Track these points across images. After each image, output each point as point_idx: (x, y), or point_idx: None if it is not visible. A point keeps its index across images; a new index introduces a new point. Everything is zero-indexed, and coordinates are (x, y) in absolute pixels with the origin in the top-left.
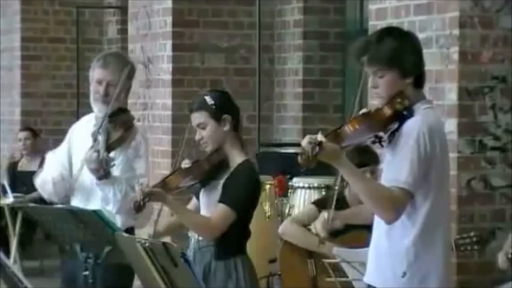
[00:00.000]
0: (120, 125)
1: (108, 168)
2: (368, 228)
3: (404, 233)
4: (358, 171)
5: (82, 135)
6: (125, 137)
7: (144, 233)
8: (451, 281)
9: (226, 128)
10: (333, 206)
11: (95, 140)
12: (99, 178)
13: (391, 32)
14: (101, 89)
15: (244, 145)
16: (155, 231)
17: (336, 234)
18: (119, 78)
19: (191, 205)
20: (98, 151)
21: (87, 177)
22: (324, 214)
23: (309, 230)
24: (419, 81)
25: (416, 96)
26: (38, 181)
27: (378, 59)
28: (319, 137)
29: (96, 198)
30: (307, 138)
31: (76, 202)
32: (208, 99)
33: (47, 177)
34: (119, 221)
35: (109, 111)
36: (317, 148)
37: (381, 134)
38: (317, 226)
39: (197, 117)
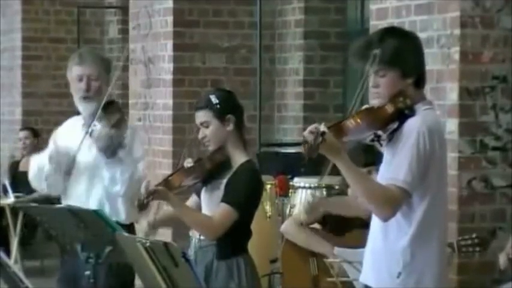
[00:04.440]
0: (115, 111)
1: (121, 140)
2: (368, 227)
3: (400, 233)
4: (356, 167)
5: (70, 137)
6: (123, 118)
7: (142, 225)
8: (446, 281)
9: (230, 127)
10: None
11: (90, 133)
12: (111, 153)
13: (392, 31)
14: (82, 85)
15: (246, 145)
16: (155, 219)
17: (337, 234)
18: (97, 71)
19: (190, 202)
20: (105, 128)
21: (91, 159)
22: (309, 199)
23: (311, 228)
24: (420, 81)
25: (417, 97)
26: (34, 182)
27: (379, 58)
28: (323, 127)
29: (99, 179)
30: (309, 128)
31: (79, 185)
32: (213, 99)
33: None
34: (123, 213)
35: (103, 102)
36: (320, 138)
37: (380, 132)
38: (299, 209)
39: (201, 116)
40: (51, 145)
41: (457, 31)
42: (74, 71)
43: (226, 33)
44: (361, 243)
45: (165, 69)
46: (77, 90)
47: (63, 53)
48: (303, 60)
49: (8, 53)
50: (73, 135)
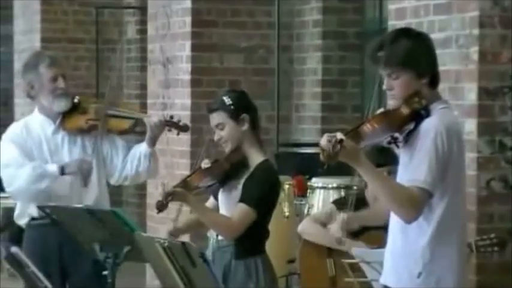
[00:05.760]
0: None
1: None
2: (385, 228)
3: (419, 233)
4: (377, 170)
5: (43, 140)
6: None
7: (163, 230)
8: (466, 281)
9: (245, 127)
10: (352, 208)
11: (135, 127)
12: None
13: (404, 33)
14: (60, 83)
15: (262, 145)
16: (175, 228)
17: (354, 235)
18: (67, 71)
19: (208, 205)
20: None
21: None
22: (343, 215)
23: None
24: (434, 81)
25: (432, 96)
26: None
27: (392, 60)
28: (339, 135)
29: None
30: (326, 137)
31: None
32: (227, 100)
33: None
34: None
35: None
36: (338, 146)
37: (397, 134)
38: (334, 227)
39: (215, 118)
40: (14, 153)
41: (476, 31)
42: (47, 72)
43: (244, 34)
44: (378, 244)
45: (183, 70)
46: (51, 89)
47: (82, 53)
48: (321, 61)
49: (27, 54)
50: (49, 144)
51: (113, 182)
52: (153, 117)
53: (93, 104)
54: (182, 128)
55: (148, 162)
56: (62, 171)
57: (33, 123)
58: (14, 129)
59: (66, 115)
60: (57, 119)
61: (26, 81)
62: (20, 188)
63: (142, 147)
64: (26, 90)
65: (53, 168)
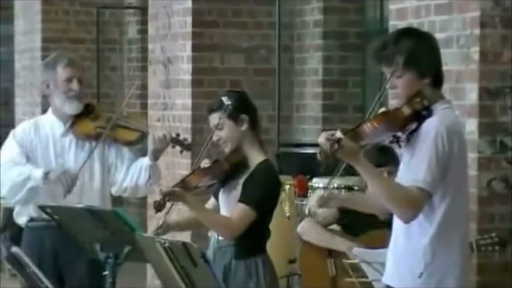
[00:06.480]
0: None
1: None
2: (387, 227)
3: (421, 233)
4: (376, 170)
5: (50, 141)
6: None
7: (152, 224)
8: (468, 281)
9: (244, 127)
10: (331, 186)
11: (143, 139)
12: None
13: (408, 32)
14: (74, 85)
15: (263, 145)
16: (164, 223)
17: (354, 234)
18: (84, 74)
19: (209, 205)
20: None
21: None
22: (321, 191)
23: (328, 229)
24: (437, 81)
25: (434, 96)
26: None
27: (395, 59)
28: (338, 134)
29: (90, 187)
30: (324, 135)
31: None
32: (225, 100)
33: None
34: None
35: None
36: (336, 145)
37: (399, 134)
38: (311, 200)
39: (215, 118)
40: (13, 152)
41: (477, 31)
42: (63, 72)
43: (245, 34)
44: (379, 244)
45: (184, 70)
46: (64, 90)
47: (83, 53)
48: (322, 61)
49: (28, 54)
50: (55, 146)
51: (113, 191)
52: (159, 131)
53: (105, 113)
54: (186, 147)
55: (147, 175)
56: (46, 177)
57: (44, 122)
58: (23, 126)
59: (77, 119)
60: (68, 122)
61: (42, 79)
62: (6, 194)
63: (145, 160)
64: (42, 88)
65: (37, 173)
